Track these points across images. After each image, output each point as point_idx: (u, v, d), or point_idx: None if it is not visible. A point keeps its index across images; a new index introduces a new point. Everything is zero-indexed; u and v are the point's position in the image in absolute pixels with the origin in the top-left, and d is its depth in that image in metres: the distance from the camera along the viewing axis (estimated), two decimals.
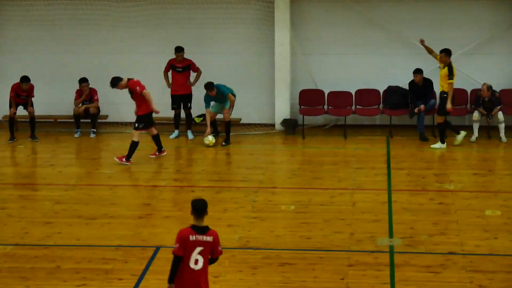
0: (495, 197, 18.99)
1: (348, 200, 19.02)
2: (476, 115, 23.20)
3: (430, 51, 22.49)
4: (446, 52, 22.00)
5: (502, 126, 23.19)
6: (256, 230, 16.42)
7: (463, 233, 16.62)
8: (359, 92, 24.19)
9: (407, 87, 23.84)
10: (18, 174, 20.95)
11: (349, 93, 24.10)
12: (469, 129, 23.45)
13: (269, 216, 17.41)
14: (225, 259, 14.60)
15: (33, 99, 23.20)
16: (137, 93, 20.47)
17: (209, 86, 22.37)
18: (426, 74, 23.63)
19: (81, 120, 23.81)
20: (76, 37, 24.66)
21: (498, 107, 23.17)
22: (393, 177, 20.27)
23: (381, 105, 24.12)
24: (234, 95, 22.70)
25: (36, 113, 23.38)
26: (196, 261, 11.27)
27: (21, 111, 23.33)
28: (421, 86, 23.49)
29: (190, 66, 23.45)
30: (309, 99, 24.11)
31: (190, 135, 23.74)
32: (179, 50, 23.31)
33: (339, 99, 23.98)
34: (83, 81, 23.65)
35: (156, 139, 21.22)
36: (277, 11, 23.95)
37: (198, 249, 11.20)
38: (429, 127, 23.89)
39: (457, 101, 23.67)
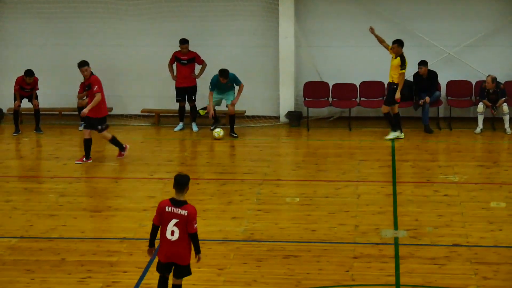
0: (500, 189, 19.01)
1: (353, 192, 19.05)
2: (481, 107, 23.18)
3: (381, 40, 22.51)
4: (399, 43, 22.09)
5: (507, 118, 23.19)
6: (260, 222, 16.45)
7: (468, 225, 16.65)
8: (364, 84, 24.21)
9: (411, 79, 23.79)
10: (22, 166, 21.02)
11: (353, 85, 24.09)
12: (474, 121, 23.51)
13: (273, 209, 17.45)
14: (230, 251, 14.71)
15: (37, 92, 23.18)
16: (93, 91, 20.05)
17: (224, 73, 22.43)
18: (430, 66, 23.61)
19: None
20: (80, 30, 24.70)
21: (503, 98, 23.15)
22: (397, 169, 20.31)
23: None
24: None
25: (40, 106, 23.39)
26: (172, 232, 11.95)
27: (25, 104, 23.32)
28: (425, 78, 23.49)
29: (195, 58, 23.46)
30: (314, 91, 24.14)
31: (194, 127, 23.74)
32: (184, 42, 23.31)
33: (344, 91, 24.00)
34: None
35: (87, 143, 20.75)
36: (281, 3, 24.00)
37: (174, 221, 11.90)
38: (434, 119, 23.92)
39: (462, 93, 23.71)
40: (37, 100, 23.18)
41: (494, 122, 23.50)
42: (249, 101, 24.36)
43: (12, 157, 21.97)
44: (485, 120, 23.39)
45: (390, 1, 24.44)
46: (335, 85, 24.26)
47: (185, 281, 12.43)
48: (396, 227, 16.57)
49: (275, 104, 24.84)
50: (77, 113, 23.70)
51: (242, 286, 13.73)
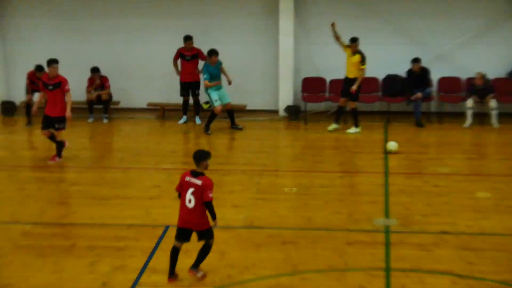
0: (486, 180, 19.16)
1: (348, 182, 19.27)
2: (470, 102, 23.37)
3: (337, 37, 22.56)
4: (356, 41, 22.38)
5: (494, 113, 23.32)
6: (260, 210, 16.58)
7: (455, 214, 16.79)
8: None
9: (405, 75, 24.01)
10: (35, 157, 21.09)
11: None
12: (464, 116, 23.68)
13: (272, 198, 17.54)
14: (230, 238, 14.88)
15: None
16: (64, 90, 19.52)
17: (214, 51, 22.56)
18: (424, 63, 23.81)
19: (94, 106, 24.04)
20: (89, 27, 24.84)
21: (491, 94, 23.32)
22: (390, 161, 20.39)
23: (380, 93, 24.31)
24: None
25: None
26: (190, 201, 12.93)
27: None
28: (418, 75, 23.64)
29: (198, 54, 23.62)
30: (312, 86, 24.33)
31: (198, 120, 23.95)
32: (187, 38, 23.50)
33: (340, 86, 23.97)
34: (94, 71, 23.87)
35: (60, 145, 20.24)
36: (281, 2, 24.14)
37: (191, 189, 12.85)
38: (425, 114, 24.08)
39: (453, 89, 23.91)
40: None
41: (482, 117, 23.58)
42: (249, 95, 24.61)
43: (25, 148, 22.19)
44: (474, 115, 23.59)
45: (386, 0, 24.55)
46: (332, 81, 24.43)
47: (187, 265, 12.80)
48: (387, 215, 16.77)
49: (274, 98, 24.99)
50: (86, 106, 24.03)
51: (242, 269, 13.94)
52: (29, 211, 17.26)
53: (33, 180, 19.46)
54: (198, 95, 23.94)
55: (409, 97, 23.76)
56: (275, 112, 24.92)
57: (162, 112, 24.66)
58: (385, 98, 24.21)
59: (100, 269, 14.22)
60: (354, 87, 22.50)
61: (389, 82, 24.17)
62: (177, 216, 14.46)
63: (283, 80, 24.56)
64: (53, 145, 20.29)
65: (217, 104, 22.33)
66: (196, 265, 13.42)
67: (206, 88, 22.55)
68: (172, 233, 15.54)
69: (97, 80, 23.81)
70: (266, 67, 24.90)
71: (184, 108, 24.14)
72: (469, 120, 23.47)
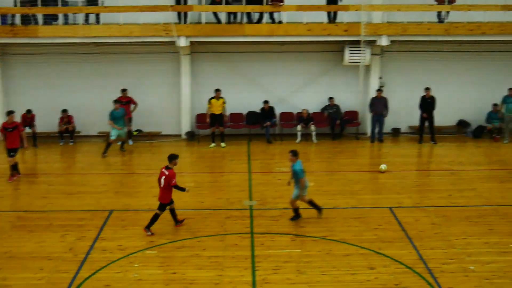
0: (310, 174, 19.37)
1: (226, 179, 19.39)
2: (299, 127, 23.63)
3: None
4: (219, 90, 22.63)
5: (314, 133, 23.57)
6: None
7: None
8: (232, 114, 24.09)
9: (259, 111, 23.97)
10: (25, 167, 20.32)
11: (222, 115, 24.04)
12: (295, 136, 23.79)
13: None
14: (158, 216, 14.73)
15: (34, 122, 22.78)
16: (20, 130, 18.58)
17: (116, 100, 22.20)
18: (271, 104, 23.86)
19: (64, 134, 23.42)
20: (59, 83, 24.05)
21: (312, 122, 23.60)
22: (252, 165, 20.56)
23: (244, 122, 24.28)
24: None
25: (38, 130, 23.03)
26: (161, 183, 14.38)
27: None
28: (267, 110, 23.65)
29: (130, 100, 23.21)
30: (201, 119, 23.94)
31: (130, 141, 23.44)
32: (124, 90, 23.13)
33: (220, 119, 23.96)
34: (64, 111, 23.32)
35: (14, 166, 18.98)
36: (183, 66, 23.78)
37: (163, 177, 14.29)
38: (272, 135, 24.05)
39: (289, 119, 24.13)
40: (35, 127, 22.75)
41: (307, 137, 23.77)
42: (163, 125, 24.38)
43: (20, 161, 21.46)
44: (302, 135, 23.77)
45: (246, 63, 24.14)
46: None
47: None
48: (251, 198, 16.96)
49: (179, 126, 24.54)
50: (58, 134, 23.41)
51: (160, 236, 14.01)
52: (22, 202, 17.25)
53: (24, 182, 18.98)
54: (131, 126, 23.40)
55: (262, 125, 23.75)
56: (179, 135, 24.55)
57: (107, 137, 23.98)
58: (247, 125, 24.15)
59: (68, 239, 14.38)
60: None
61: (249, 115, 24.23)
62: (118, 203, 14.55)
63: (184, 114, 24.31)
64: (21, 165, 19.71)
65: (113, 138, 21.83)
66: (148, 227, 14.37)
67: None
68: (115, 215, 15.53)
69: (66, 117, 23.24)
70: (174, 106, 24.44)
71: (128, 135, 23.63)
72: (299, 138, 23.69)
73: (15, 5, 22.54)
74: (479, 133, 24.33)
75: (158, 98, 24.29)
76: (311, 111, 24.04)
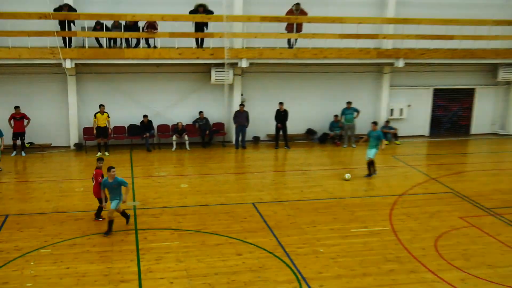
0: (185, 177, 19.56)
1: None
2: (174, 137, 23.64)
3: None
4: (103, 106, 22.40)
5: (187, 142, 23.67)
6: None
7: (170, 196, 17.10)
8: (115, 127, 23.69)
9: (139, 124, 23.76)
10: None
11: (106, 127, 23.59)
12: (171, 145, 23.76)
13: (69, 194, 16.94)
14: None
15: None
16: None
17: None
18: (150, 117, 23.67)
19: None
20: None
21: (185, 132, 23.68)
22: (134, 170, 20.35)
23: (126, 134, 23.95)
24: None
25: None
26: (94, 182, 14.90)
27: None
28: (146, 123, 23.49)
29: (24, 116, 22.37)
30: (89, 131, 23.47)
31: (23, 153, 22.59)
32: (16, 107, 22.28)
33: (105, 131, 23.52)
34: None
35: None
36: (69, 84, 23.15)
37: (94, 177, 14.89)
38: (151, 144, 23.95)
39: (165, 130, 24.00)
40: None
41: (182, 145, 23.86)
42: (53, 137, 23.63)
43: None
44: (176, 144, 23.75)
45: (127, 82, 23.80)
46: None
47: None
48: (134, 199, 16.82)
49: (68, 138, 23.82)
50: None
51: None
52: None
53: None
54: (24, 139, 22.62)
55: (142, 136, 23.56)
56: (68, 146, 23.89)
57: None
58: (129, 136, 23.86)
59: None
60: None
61: (130, 127, 23.97)
62: (12, 209, 14.08)
63: (72, 128, 23.64)
64: None
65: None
66: (97, 215, 14.93)
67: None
68: (11, 219, 14.87)
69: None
70: (63, 121, 23.58)
71: (14, 146, 22.56)
72: (174, 147, 23.75)
73: None
74: (324, 139, 25.44)
75: (48, 113, 23.45)
76: (184, 123, 24.20)
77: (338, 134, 25.26)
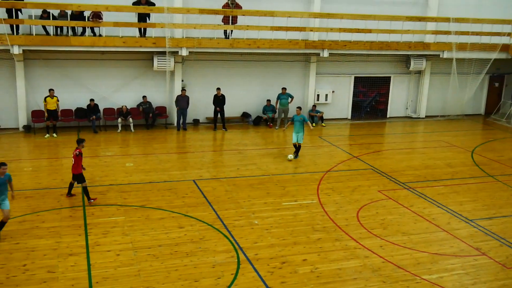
0: (129, 156, 18.93)
1: (59, 163, 18.29)
2: (119, 120, 22.99)
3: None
4: (52, 90, 21.81)
5: (132, 124, 23.11)
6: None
7: (116, 174, 16.68)
8: (63, 110, 22.72)
9: (86, 107, 23.01)
10: None
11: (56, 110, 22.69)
12: (116, 127, 23.11)
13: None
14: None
15: None
16: None
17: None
18: (97, 101, 22.93)
19: None
20: None
21: (129, 115, 23.12)
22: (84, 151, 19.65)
23: (73, 116, 23.14)
24: None
25: None
26: (73, 160, 14.12)
27: None
28: (92, 107, 22.85)
29: None
30: (37, 114, 22.55)
31: None
32: None
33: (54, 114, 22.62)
34: None
35: None
36: (17, 70, 22.04)
37: (73, 154, 14.10)
38: (98, 126, 23.29)
39: (111, 113, 23.34)
40: None
41: (127, 127, 23.32)
42: (1, 119, 22.53)
43: None
44: (122, 126, 23.10)
45: (74, 68, 22.92)
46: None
47: None
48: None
49: (17, 121, 22.75)
50: None
51: None
52: None
53: None
54: None
55: (89, 118, 22.91)
56: (17, 128, 22.83)
57: None
58: (76, 119, 23.07)
59: None
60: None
61: (78, 110, 23.24)
62: None
63: (21, 111, 22.58)
64: None
65: None
66: (88, 199, 13.96)
67: None
68: None
69: None
70: (12, 104, 22.51)
71: None
72: (119, 129, 23.17)
73: None
74: (258, 121, 25.37)
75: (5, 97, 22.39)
76: (129, 107, 23.63)
77: (270, 117, 25.26)
